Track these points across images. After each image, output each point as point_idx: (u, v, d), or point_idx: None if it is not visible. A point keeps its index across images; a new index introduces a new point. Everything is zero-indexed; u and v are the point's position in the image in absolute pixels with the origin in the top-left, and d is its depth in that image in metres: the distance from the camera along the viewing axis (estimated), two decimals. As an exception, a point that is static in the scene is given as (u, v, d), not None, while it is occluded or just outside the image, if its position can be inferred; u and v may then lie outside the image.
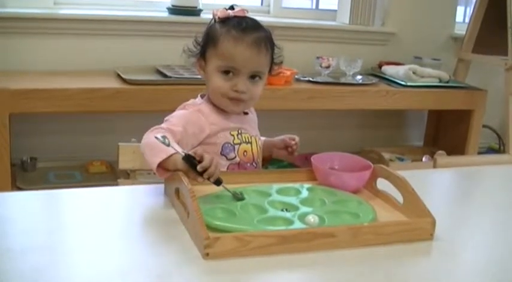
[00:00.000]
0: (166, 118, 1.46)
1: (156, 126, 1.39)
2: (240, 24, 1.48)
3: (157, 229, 1.15)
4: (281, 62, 1.58)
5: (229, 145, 1.50)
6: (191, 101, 1.56)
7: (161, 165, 1.24)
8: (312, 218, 1.15)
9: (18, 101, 2.45)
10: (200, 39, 1.54)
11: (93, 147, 3.02)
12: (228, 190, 1.24)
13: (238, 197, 1.23)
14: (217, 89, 1.49)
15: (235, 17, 1.50)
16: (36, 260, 0.97)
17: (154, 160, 1.24)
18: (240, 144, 1.52)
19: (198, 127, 1.47)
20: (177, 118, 1.46)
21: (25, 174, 2.83)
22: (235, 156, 1.51)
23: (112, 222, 1.18)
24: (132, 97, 2.62)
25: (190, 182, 1.13)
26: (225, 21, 1.49)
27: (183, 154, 1.22)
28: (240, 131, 1.53)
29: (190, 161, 1.21)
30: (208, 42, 1.51)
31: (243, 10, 1.51)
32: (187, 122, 1.45)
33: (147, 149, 1.30)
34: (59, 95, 2.52)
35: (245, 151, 1.53)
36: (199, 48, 1.54)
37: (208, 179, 1.21)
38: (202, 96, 1.57)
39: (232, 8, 1.52)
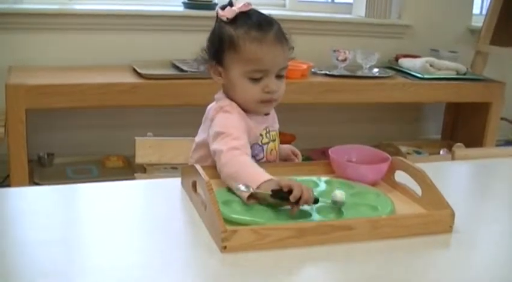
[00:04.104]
0: (220, 130, 1.35)
1: (228, 148, 1.29)
2: (254, 22, 1.40)
3: (175, 222, 1.15)
4: (293, 48, 1.47)
5: (258, 146, 1.43)
6: (223, 101, 1.44)
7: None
8: (339, 194, 1.16)
9: (35, 97, 2.46)
10: (211, 44, 1.44)
11: (109, 142, 3.04)
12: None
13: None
14: (249, 96, 1.40)
15: (241, 12, 1.40)
16: (53, 253, 0.98)
17: (243, 194, 1.17)
18: (268, 143, 1.45)
19: (248, 131, 1.39)
20: (235, 128, 1.35)
21: (42, 170, 2.85)
22: (263, 157, 1.44)
23: (129, 216, 1.18)
24: (148, 92, 2.63)
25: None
26: (234, 20, 1.41)
27: (270, 192, 1.14)
28: (268, 130, 1.46)
29: (280, 196, 1.14)
30: (224, 48, 1.40)
31: (246, 4, 1.42)
32: (243, 129, 1.37)
33: (231, 180, 1.23)
34: (75, 90, 2.53)
35: (272, 150, 1.46)
36: (212, 53, 1.44)
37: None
38: (225, 94, 1.46)
39: (231, 3, 1.42)
